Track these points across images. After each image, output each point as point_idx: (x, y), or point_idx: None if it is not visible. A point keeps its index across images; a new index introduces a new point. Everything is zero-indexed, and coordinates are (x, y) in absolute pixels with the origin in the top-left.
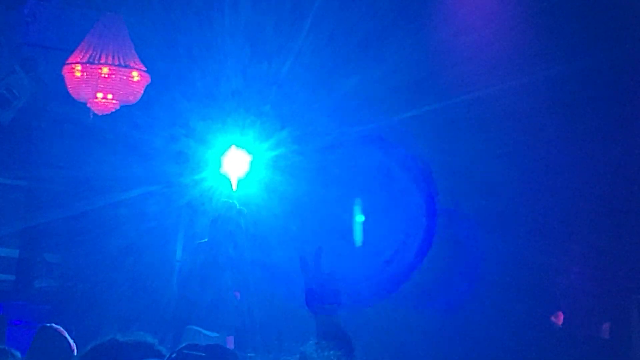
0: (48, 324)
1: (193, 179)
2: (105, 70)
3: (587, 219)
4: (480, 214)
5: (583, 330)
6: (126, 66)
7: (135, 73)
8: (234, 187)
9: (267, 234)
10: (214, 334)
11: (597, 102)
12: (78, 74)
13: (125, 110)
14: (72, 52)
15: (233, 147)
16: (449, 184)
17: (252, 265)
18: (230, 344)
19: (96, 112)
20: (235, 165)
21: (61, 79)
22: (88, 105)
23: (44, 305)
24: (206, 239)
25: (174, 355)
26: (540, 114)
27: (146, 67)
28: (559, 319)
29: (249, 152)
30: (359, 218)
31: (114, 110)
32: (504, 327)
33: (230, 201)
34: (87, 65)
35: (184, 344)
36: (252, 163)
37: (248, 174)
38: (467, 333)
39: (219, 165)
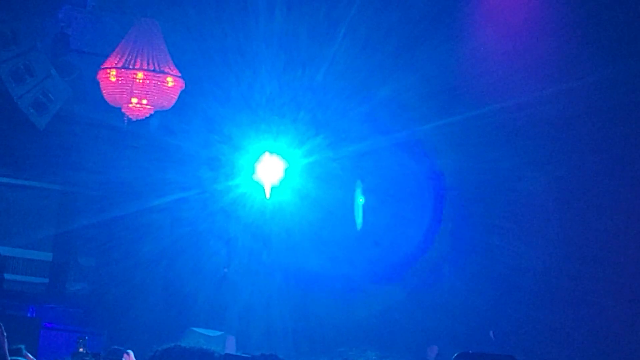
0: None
1: (227, 185)
2: (140, 75)
3: (625, 228)
4: (513, 222)
5: None
6: (161, 71)
7: (169, 78)
8: (267, 194)
9: (300, 241)
10: (216, 333)
11: (634, 109)
12: (113, 79)
13: (160, 116)
14: (107, 57)
15: (267, 154)
16: (481, 192)
17: (285, 271)
18: (231, 343)
19: (131, 116)
20: (269, 172)
21: (97, 84)
22: (123, 110)
23: (77, 308)
24: None
25: None
26: (574, 121)
27: (181, 73)
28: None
29: (283, 159)
30: (360, 199)
31: (148, 115)
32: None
33: None
34: (122, 70)
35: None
36: (286, 170)
37: (282, 181)
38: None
39: (253, 171)
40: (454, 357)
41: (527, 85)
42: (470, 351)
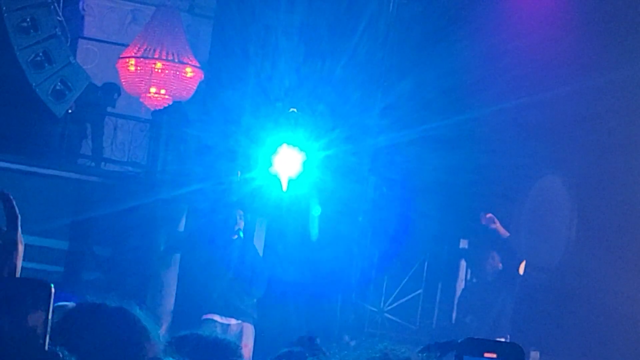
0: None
1: (243, 177)
2: (158, 65)
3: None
4: (531, 219)
5: None
6: (180, 62)
7: (188, 69)
8: (284, 187)
9: (318, 234)
10: (234, 322)
11: None
12: (132, 68)
13: (179, 107)
14: (127, 46)
15: (284, 146)
16: (504, 187)
17: (302, 264)
18: (248, 331)
19: (149, 106)
20: (287, 164)
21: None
22: (141, 99)
23: (91, 297)
24: None
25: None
26: (594, 120)
27: (200, 63)
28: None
29: (301, 151)
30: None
31: (166, 105)
32: None
33: None
34: (141, 59)
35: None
36: (304, 163)
37: (300, 174)
38: None
39: (270, 164)
40: (459, 341)
41: (545, 82)
42: (477, 337)
